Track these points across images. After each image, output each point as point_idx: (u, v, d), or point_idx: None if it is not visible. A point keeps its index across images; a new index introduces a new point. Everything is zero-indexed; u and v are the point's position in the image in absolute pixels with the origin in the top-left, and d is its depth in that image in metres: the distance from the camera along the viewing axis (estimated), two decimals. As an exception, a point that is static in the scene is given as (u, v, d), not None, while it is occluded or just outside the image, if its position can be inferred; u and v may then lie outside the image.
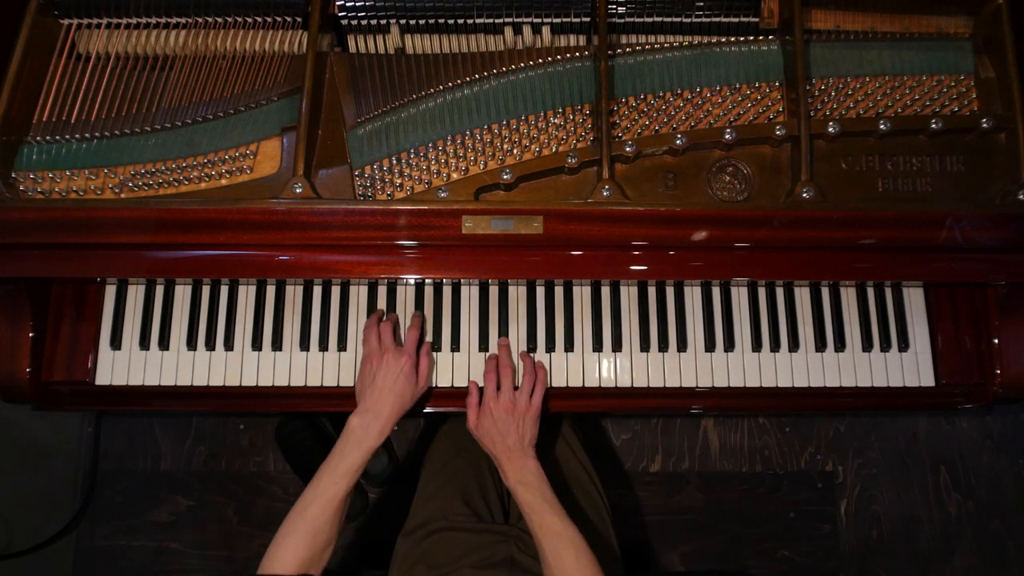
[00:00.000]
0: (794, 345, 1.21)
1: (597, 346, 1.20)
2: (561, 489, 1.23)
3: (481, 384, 1.16)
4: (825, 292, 1.24)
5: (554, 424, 1.41)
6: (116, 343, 1.20)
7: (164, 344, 1.19)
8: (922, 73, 1.20)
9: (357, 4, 1.16)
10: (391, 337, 1.13)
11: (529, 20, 1.19)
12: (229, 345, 1.20)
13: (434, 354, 1.20)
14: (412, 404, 1.13)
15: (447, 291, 1.22)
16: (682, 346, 1.21)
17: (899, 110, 1.18)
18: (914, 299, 1.24)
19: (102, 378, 1.19)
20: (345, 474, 1.03)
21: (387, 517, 1.90)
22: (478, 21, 1.19)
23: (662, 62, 1.18)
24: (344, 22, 1.18)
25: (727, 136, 1.14)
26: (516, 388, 1.15)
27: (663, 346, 1.21)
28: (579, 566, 0.99)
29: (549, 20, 1.19)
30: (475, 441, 1.16)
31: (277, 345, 1.20)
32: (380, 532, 1.89)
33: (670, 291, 1.23)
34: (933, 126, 1.15)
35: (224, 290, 1.22)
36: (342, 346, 1.20)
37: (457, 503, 1.25)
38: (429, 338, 1.20)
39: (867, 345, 1.22)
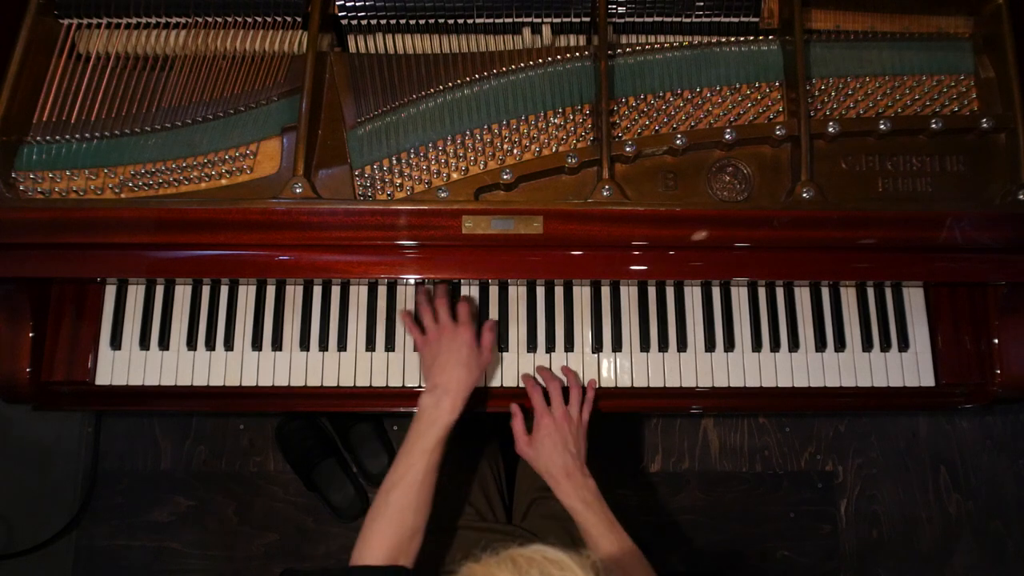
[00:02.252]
0: (794, 345, 1.21)
1: (597, 346, 1.20)
2: None
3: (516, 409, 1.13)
4: (825, 292, 1.24)
5: None
6: (116, 343, 1.20)
7: (164, 344, 1.19)
8: (922, 73, 1.20)
9: (357, 4, 1.16)
10: (447, 311, 1.12)
11: (529, 20, 1.19)
12: (229, 345, 1.20)
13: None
14: (479, 375, 1.09)
15: (447, 291, 1.22)
16: (682, 346, 1.21)
17: (899, 110, 1.18)
18: (914, 299, 1.24)
19: (102, 378, 1.19)
20: (422, 454, 1.00)
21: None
22: (478, 21, 1.19)
23: (662, 62, 1.18)
24: (344, 22, 1.18)
25: (727, 136, 1.13)
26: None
27: (663, 346, 1.21)
28: None
29: (549, 20, 1.19)
30: (475, 445, 1.16)
31: (277, 345, 1.20)
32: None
33: (670, 291, 1.23)
34: (933, 126, 1.15)
35: (224, 290, 1.22)
36: (342, 346, 1.20)
37: (460, 503, 1.25)
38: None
39: (867, 345, 1.22)
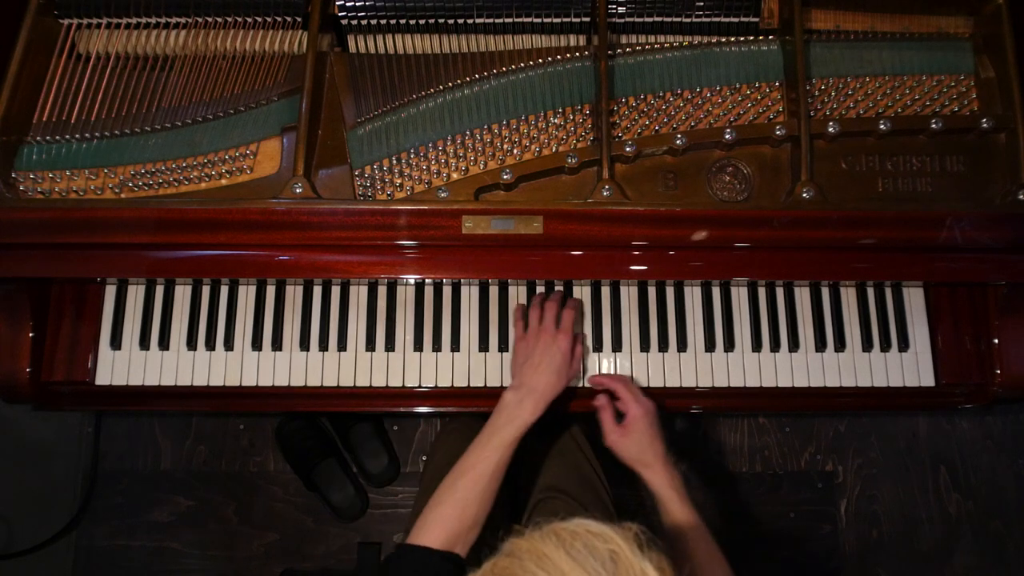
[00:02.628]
0: (794, 345, 1.21)
1: (597, 346, 1.20)
2: (570, 485, 1.22)
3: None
4: (825, 292, 1.24)
5: (565, 423, 1.40)
6: (116, 343, 1.20)
7: (164, 344, 1.19)
8: (922, 73, 1.20)
9: (357, 4, 1.16)
10: (553, 316, 1.12)
11: (529, 20, 1.19)
12: (229, 345, 1.20)
13: (434, 355, 1.20)
14: (565, 384, 1.09)
15: (447, 291, 1.22)
16: (682, 346, 1.21)
17: (899, 110, 1.18)
18: (914, 299, 1.24)
19: (102, 378, 1.19)
20: (497, 448, 1.01)
21: (387, 517, 1.90)
22: (478, 21, 1.19)
23: (662, 62, 1.18)
24: (344, 22, 1.18)
25: (727, 136, 1.13)
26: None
27: (663, 346, 1.21)
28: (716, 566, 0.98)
29: (549, 20, 1.19)
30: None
31: (277, 345, 1.20)
32: (380, 532, 1.89)
33: (670, 291, 1.23)
34: (933, 126, 1.15)
35: (224, 290, 1.22)
36: (342, 346, 1.20)
37: None
38: (430, 339, 1.20)
39: (867, 345, 1.22)
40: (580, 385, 1.19)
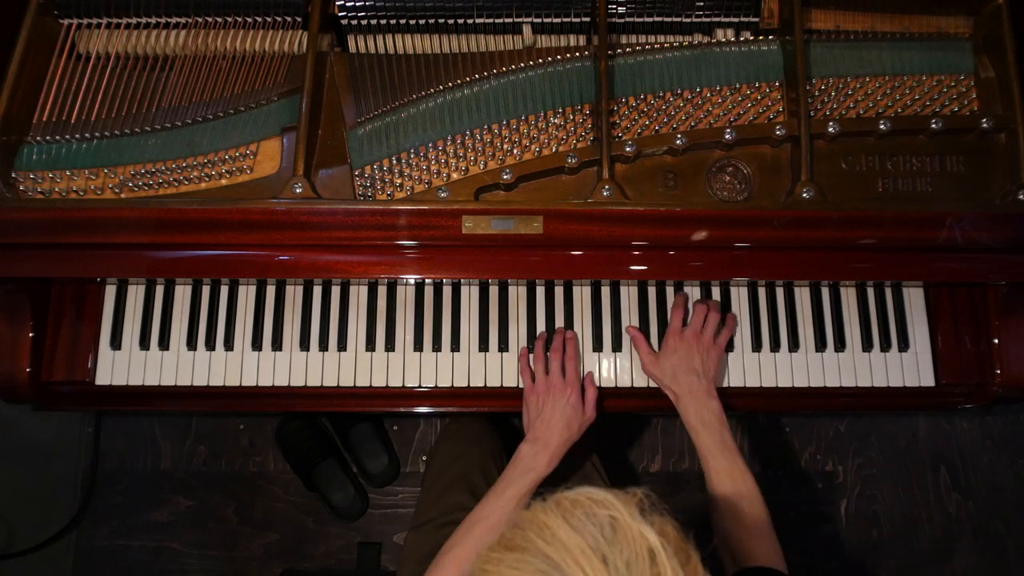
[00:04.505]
0: (794, 345, 1.21)
1: (597, 346, 1.20)
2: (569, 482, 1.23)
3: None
4: (825, 292, 1.24)
5: (584, 447, 1.41)
6: (116, 343, 1.20)
7: (164, 344, 1.19)
8: (922, 73, 1.20)
9: (357, 4, 1.16)
10: (558, 367, 1.13)
11: (529, 20, 1.19)
12: (229, 345, 1.20)
13: (434, 355, 1.20)
14: (580, 434, 1.11)
15: (447, 291, 1.22)
16: (682, 346, 1.21)
17: (899, 110, 1.18)
18: (914, 299, 1.24)
19: (102, 378, 1.19)
20: (512, 498, 1.03)
21: (387, 517, 1.90)
22: (478, 21, 1.19)
23: (662, 62, 1.18)
24: (344, 22, 1.18)
25: (727, 136, 1.13)
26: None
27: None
28: (754, 514, 0.99)
29: (549, 20, 1.19)
30: (479, 440, 1.15)
31: (277, 345, 1.20)
32: (380, 532, 1.89)
33: (670, 291, 1.23)
34: (933, 126, 1.15)
35: (224, 290, 1.22)
36: (342, 346, 1.20)
37: (466, 497, 1.25)
38: (430, 339, 1.20)
39: (867, 345, 1.22)
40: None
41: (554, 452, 1.07)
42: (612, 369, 1.20)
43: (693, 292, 1.23)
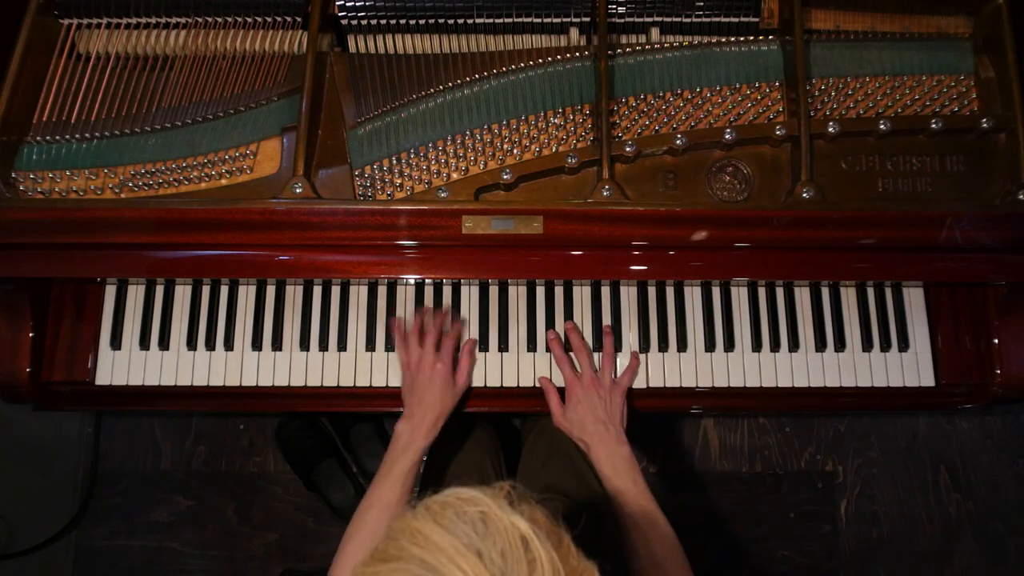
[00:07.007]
0: (794, 345, 1.21)
1: (597, 346, 1.20)
2: (568, 484, 1.22)
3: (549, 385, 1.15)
4: (825, 292, 1.24)
5: None
6: (116, 343, 1.20)
7: (164, 344, 1.19)
8: (922, 73, 1.20)
9: (357, 4, 1.16)
10: (432, 342, 1.13)
11: (529, 20, 1.19)
12: (229, 345, 1.20)
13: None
14: (454, 404, 1.13)
15: (447, 291, 1.22)
16: (682, 346, 1.21)
17: (899, 110, 1.18)
18: (914, 299, 1.24)
19: (102, 378, 1.19)
20: (397, 479, 1.04)
21: (387, 517, 1.90)
22: (478, 21, 1.19)
23: (662, 62, 1.18)
24: (344, 22, 1.18)
25: (727, 136, 1.14)
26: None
27: (663, 346, 1.21)
28: (668, 554, 0.99)
29: (549, 20, 1.19)
30: (477, 440, 1.15)
31: (277, 345, 1.20)
32: (380, 532, 1.89)
33: (670, 291, 1.23)
34: (933, 126, 1.15)
35: (224, 290, 1.22)
36: (342, 346, 1.20)
37: None
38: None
39: (867, 345, 1.22)
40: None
41: (429, 426, 1.08)
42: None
43: (693, 292, 1.23)
